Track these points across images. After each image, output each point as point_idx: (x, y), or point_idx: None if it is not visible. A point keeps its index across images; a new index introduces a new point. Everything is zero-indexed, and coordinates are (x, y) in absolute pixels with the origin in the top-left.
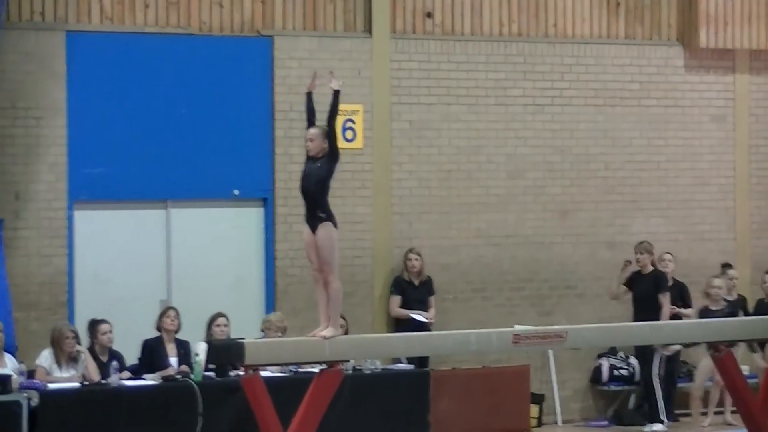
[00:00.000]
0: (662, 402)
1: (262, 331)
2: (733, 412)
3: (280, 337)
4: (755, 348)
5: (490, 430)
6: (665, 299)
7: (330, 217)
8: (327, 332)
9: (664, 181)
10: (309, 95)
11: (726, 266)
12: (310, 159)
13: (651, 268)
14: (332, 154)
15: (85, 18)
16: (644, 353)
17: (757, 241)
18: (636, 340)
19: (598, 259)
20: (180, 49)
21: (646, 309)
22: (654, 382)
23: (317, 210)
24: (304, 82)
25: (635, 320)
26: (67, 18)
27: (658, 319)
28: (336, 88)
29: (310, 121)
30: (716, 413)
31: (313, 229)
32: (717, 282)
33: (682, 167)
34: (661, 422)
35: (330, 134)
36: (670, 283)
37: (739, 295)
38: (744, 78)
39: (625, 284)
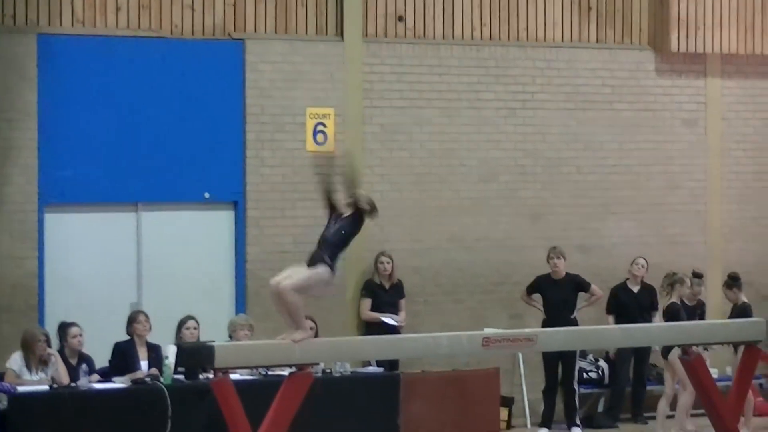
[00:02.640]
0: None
1: (230, 335)
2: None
3: (247, 336)
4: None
5: None
6: (596, 288)
7: (332, 267)
8: (296, 335)
9: (636, 185)
10: None
11: (696, 276)
12: (337, 215)
13: (564, 273)
14: (356, 222)
15: (57, 21)
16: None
17: (728, 244)
18: (606, 343)
19: (569, 263)
20: (151, 53)
21: (561, 313)
22: (575, 386)
23: (325, 255)
24: (275, 86)
25: (549, 325)
26: (38, 21)
27: (574, 323)
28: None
29: None
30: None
31: (310, 263)
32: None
33: (653, 171)
34: (578, 426)
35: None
36: (639, 287)
37: (699, 300)
38: (715, 82)
39: (529, 291)
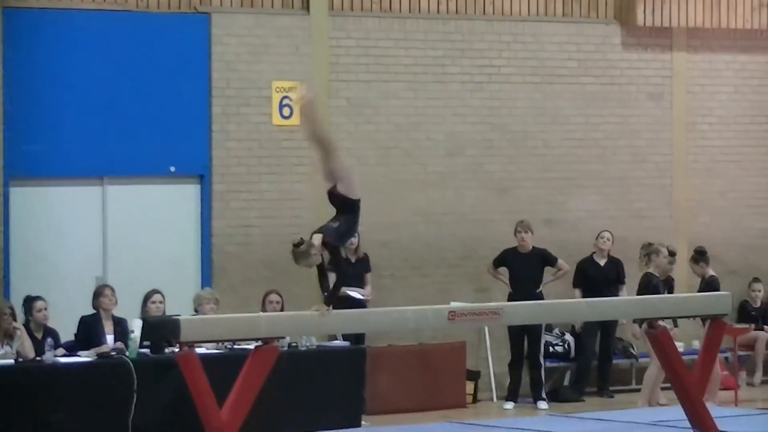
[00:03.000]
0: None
1: (195, 309)
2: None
3: (213, 309)
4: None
5: (426, 406)
6: (562, 262)
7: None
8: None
9: (602, 159)
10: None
11: (671, 254)
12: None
13: (531, 247)
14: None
15: None
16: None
17: (693, 218)
18: (572, 317)
19: (536, 237)
20: (117, 26)
21: (527, 287)
22: (540, 360)
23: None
24: (241, 59)
25: (515, 299)
26: None
27: (540, 296)
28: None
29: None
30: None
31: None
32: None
33: (619, 145)
34: (544, 400)
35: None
36: (605, 260)
37: (669, 276)
38: (681, 56)
39: (495, 264)
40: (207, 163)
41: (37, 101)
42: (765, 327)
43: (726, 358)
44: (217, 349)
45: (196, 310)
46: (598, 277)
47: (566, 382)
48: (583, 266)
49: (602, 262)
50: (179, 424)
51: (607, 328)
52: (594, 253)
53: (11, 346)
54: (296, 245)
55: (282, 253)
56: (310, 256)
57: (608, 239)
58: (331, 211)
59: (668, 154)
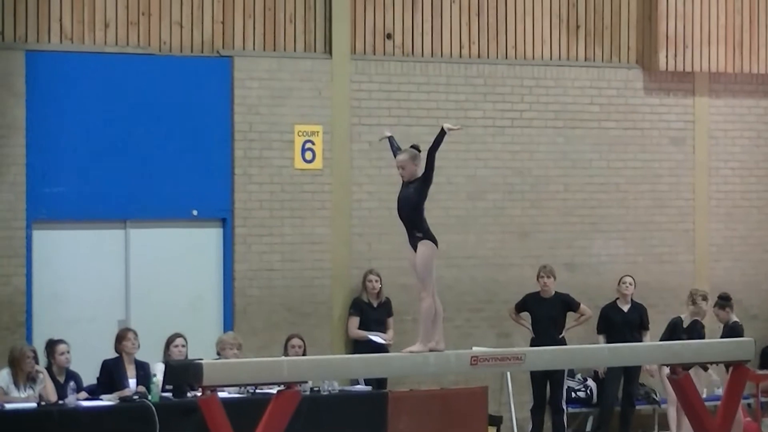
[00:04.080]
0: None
1: (218, 353)
2: None
3: (236, 354)
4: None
5: None
6: (585, 307)
7: (428, 235)
8: (414, 347)
9: (624, 203)
10: (390, 139)
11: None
12: (405, 184)
13: (553, 292)
14: (426, 179)
15: (45, 37)
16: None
17: (715, 263)
18: (593, 362)
19: (557, 282)
20: (139, 69)
21: (548, 331)
22: (563, 405)
23: (415, 231)
24: (263, 102)
25: (537, 344)
26: (26, 37)
27: (562, 342)
28: (446, 129)
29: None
30: None
31: (415, 249)
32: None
33: (641, 189)
34: None
35: (428, 162)
36: (629, 306)
37: (697, 321)
38: (703, 100)
39: (518, 309)
40: (229, 206)
41: (59, 144)
42: None
43: (749, 404)
44: (239, 393)
45: (218, 354)
46: (621, 322)
47: (588, 428)
48: (606, 312)
49: (626, 308)
50: None
51: (630, 373)
52: (617, 298)
53: (34, 389)
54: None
55: (304, 296)
56: None
57: (630, 284)
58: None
59: (690, 198)
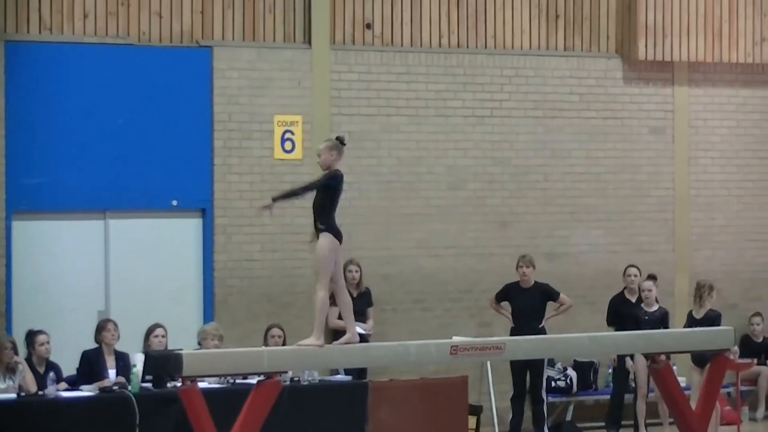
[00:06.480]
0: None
1: (199, 343)
2: (670, 423)
3: (217, 345)
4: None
5: None
6: (565, 297)
7: (330, 229)
8: (306, 341)
9: (603, 193)
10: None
11: (650, 277)
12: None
13: (533, 282)
14: (323, 186)
15: (24, 28)
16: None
17: (695, 252)
18: (574, 352)
19: (537, 271)
20: (119, 59)
21: (528, 321)
22: (543, 394)
23: (319, 222)
24: (243, 93)
25: (517, 333)
26: (5, 27)
27: (542, 331)
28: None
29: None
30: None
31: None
32: (646, 284)
33: (621, 179)
34: None
35: (303, 188)
36: (637, 296)
37: (661, 307)
38: (683, 90)
39: (498, 298)
40: (209, 197)
41: (38, 134)
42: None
43: (728, 393)
44: (219, 384)
45: (199, 344)
46: (629, 314)
47: (568, 417)
48: (614, 303)
49: (633, 298)
50: None
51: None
52: (625, 289)
53: (13, 380)
54: None
55: (284, 286)
56: None
57: (636, 275)
58: None
59: (670, 188)
